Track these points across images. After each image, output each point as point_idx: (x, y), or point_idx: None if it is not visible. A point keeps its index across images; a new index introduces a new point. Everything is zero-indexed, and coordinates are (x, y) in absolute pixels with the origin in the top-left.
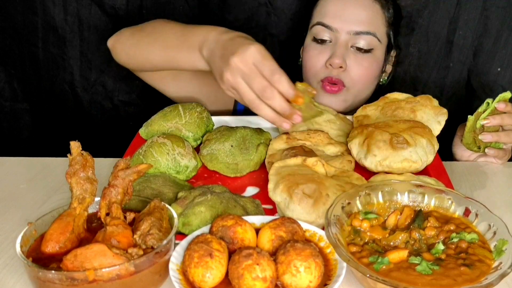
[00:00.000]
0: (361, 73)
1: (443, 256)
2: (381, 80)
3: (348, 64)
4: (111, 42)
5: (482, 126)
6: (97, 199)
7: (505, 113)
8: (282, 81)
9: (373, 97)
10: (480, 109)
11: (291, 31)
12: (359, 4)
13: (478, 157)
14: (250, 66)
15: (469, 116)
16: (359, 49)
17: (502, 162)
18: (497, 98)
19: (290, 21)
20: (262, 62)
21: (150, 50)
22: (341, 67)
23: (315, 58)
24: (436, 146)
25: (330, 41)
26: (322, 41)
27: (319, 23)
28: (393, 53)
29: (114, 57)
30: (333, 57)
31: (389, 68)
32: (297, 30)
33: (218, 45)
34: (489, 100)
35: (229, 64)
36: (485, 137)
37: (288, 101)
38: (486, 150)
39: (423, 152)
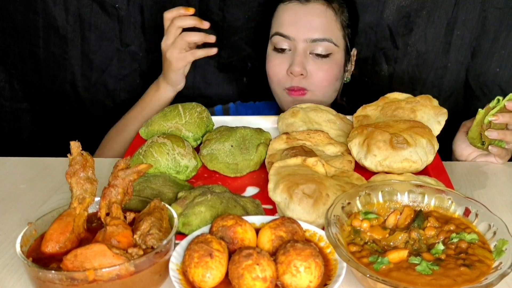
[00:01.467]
0: (322, 77)
1: (443, 256)
2: (345, 79)
3: (309, 70)
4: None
5: (490, 122)
6: (97, 199)
7: None
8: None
9: (365, 99)
10: (490, 105)
11: None
12: (312, 12)
13: (477, 156)
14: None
15: (479, 109)
16: (318, 55)
17: (502, 162)
18: (508, 96)
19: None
20: (166, 26)
21: (126, 133)
22: (301, 74)
23: (277, 67)
24: (436, 146)
25: (290, 49)
26: (282, 50)
27: (277, 33)
28: (353, 52)
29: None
30: (292, 66)
31: (351, 67)
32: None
33: (163, 71)
34: (499, 97)
35: (165, 57)
36: (491, 134)
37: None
38: (490, 147)
39: (423, 152)
